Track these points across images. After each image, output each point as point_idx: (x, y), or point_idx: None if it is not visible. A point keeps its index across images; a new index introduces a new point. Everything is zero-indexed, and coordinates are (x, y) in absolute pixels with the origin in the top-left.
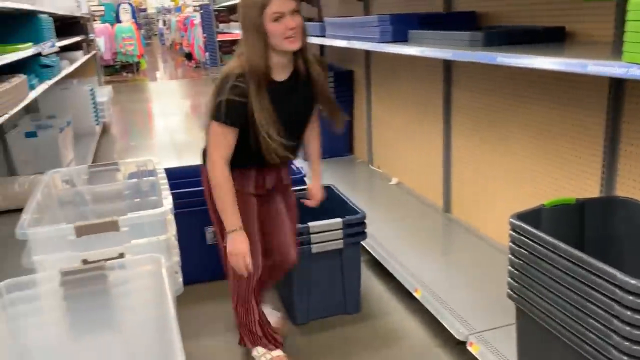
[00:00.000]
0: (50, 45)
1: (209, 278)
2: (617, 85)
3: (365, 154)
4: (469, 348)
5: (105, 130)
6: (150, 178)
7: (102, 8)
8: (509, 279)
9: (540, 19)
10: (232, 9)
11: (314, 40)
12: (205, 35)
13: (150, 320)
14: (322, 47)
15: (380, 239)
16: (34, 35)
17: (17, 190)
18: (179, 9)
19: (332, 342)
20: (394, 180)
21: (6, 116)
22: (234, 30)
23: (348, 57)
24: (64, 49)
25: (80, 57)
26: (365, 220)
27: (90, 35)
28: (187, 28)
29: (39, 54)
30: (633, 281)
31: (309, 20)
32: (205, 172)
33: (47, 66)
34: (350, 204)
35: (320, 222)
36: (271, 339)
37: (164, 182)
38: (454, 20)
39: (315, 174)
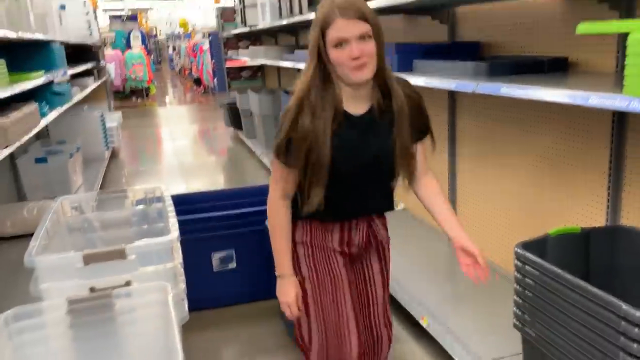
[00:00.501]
0: (62, 74)
1: (215, 305)
2: (620, 116)
3: None
4: None
5: (114, 155)
6: (158, 205)
7: (114, 34)
8: (515, 308)
9: (544, 49)
10: (239, 37)
11: None
12: (213, 61)
13: (156, 348)
14: None
15: None
16: (47, 64)
17: (26, 216)
18: (188, 35)
19: None
20: (401, 206)
21: (18, 144)
22: (242, 57)
23: None
24: (75, 75)
25: (91, 84)
26: None
27: (101, 62)
28: (197, 54)
29: (51, 82)
30: (638, 313)
31: None
32: None
33: (59, 94)
34: None
35: None
36: None
37: (171, 209)
38: (458, 50)
39: (450, 220)
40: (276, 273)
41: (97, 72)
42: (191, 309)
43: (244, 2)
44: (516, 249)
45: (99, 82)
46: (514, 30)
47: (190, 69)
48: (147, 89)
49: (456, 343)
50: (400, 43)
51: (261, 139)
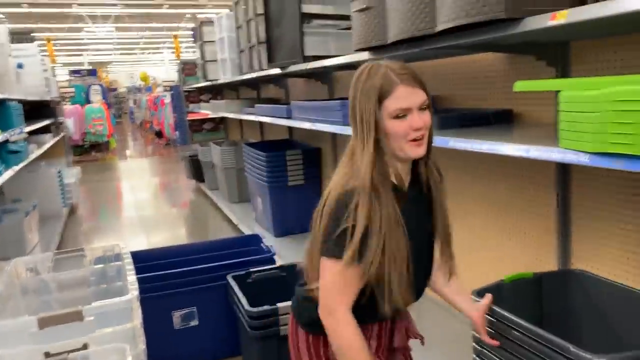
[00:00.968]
0: (18, 132)
1: None
2: (563, 165)
3: None
4: None
5: (73, 211)
6: (117, 263)
7: (73, 90)
8: (474, 355)
9: (490, 102)
10: (201, 90)
11: (281, 121)
12: (175, 114)
13: None
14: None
15: None
16: (3, 123)
17: None
18: (149, 89)
19: None
20: None
21: None
22: (204, 110)
23: (315, 135)
24: (33, 132)
25: (49, 140)
26: None
27: (60, 118)
28: (158, 107)
29: (6, 141)
30: (588, 355)
31: (276, 101)
32: (297, 329)
33: (15, 152)
34: None
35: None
36: None
37: (130, 267)
38: None
39: (462, 292)
40: None
41: (55, 128)
42: None
43: (204, 57)
44: (471, 296)
45: (57, 138)
46: (460, 85)
47: (151, 122)
48: (107, 143)
49: None
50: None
51: (223, 190)
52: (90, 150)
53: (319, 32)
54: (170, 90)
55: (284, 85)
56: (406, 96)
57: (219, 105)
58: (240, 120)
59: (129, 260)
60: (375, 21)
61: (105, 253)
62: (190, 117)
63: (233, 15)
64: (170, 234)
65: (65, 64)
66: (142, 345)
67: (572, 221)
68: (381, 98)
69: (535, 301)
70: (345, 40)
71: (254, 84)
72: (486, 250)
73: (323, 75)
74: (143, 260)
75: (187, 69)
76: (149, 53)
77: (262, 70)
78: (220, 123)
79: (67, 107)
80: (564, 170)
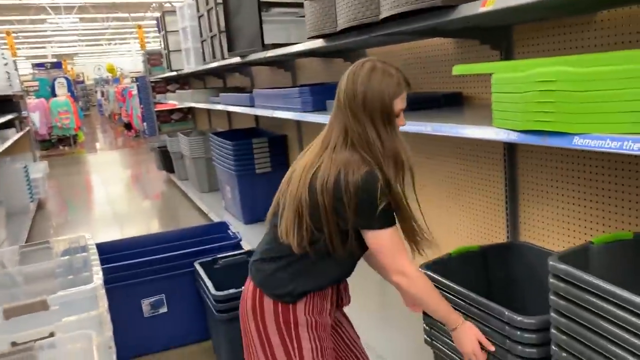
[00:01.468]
0: None
1: (148, 351)
2: (510, 143)
3: None
4: None
5: (40, 206)
6: (83, 254)
7: (37, 83)
8: (425, 325)
9: (442, 86)
10: (168, 80)
11: (245, 110)
12: (142, 105)
13: None
14: (256, 115)
15: None
16: None
17: None
18: (117, 80)
19: None
20: None
21: None
22: (171, 101)
23: (281, 122)
24: None
25: (13, 135)
26: None
27: (24, 112)
28: (126, 98)
29: None
30: (518, 317)
31: (241, 90)
32: (262, 301)
33: None
34: None
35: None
36: None
37: (95, 257)
38: None
39: None
40: (451, 329)
41: (19, 122)
42: (124, 356)
43: (168, 47)
44: (420, 269)
45: (21, 133)
46: (413, 70)
47: (120, 114)
48: (75, 136)
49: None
50: (316, 84)
51: (193, 180)
52: (57, 144)
53: (278, 20)
54: (137, 81)
55: (249, 73)
56: (404, 100)
57: (186, 95)
58: (209, 110)
59: (94, 250)
60: (325, 9)
61: (71, 245)
62: (158, 108)
63: (194, 5)
64: (141, 225)
65: (28, 57)
66: (108, 332)
67: (520, 197)
68: (395, 97)
69: (481, 272)
70: (305, 28)
71: (220, 73)
72: (441, 225)
73: (286, 63)
74: (112, 251)
75: (152, 59)
76: (116, 44)
77: (224, 59)
78: (188, 113)
79: (32, 101)
80: (510, 149)
